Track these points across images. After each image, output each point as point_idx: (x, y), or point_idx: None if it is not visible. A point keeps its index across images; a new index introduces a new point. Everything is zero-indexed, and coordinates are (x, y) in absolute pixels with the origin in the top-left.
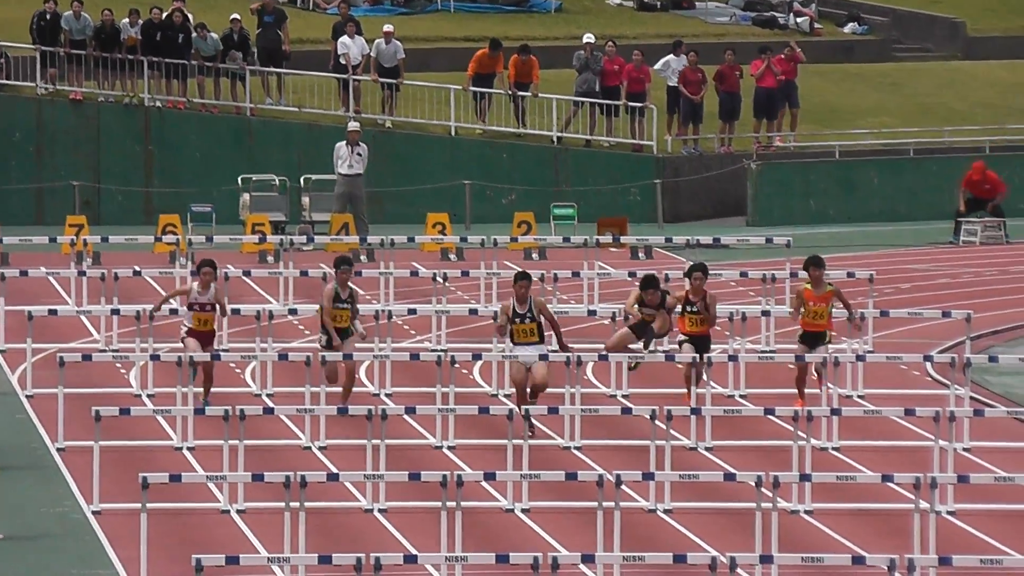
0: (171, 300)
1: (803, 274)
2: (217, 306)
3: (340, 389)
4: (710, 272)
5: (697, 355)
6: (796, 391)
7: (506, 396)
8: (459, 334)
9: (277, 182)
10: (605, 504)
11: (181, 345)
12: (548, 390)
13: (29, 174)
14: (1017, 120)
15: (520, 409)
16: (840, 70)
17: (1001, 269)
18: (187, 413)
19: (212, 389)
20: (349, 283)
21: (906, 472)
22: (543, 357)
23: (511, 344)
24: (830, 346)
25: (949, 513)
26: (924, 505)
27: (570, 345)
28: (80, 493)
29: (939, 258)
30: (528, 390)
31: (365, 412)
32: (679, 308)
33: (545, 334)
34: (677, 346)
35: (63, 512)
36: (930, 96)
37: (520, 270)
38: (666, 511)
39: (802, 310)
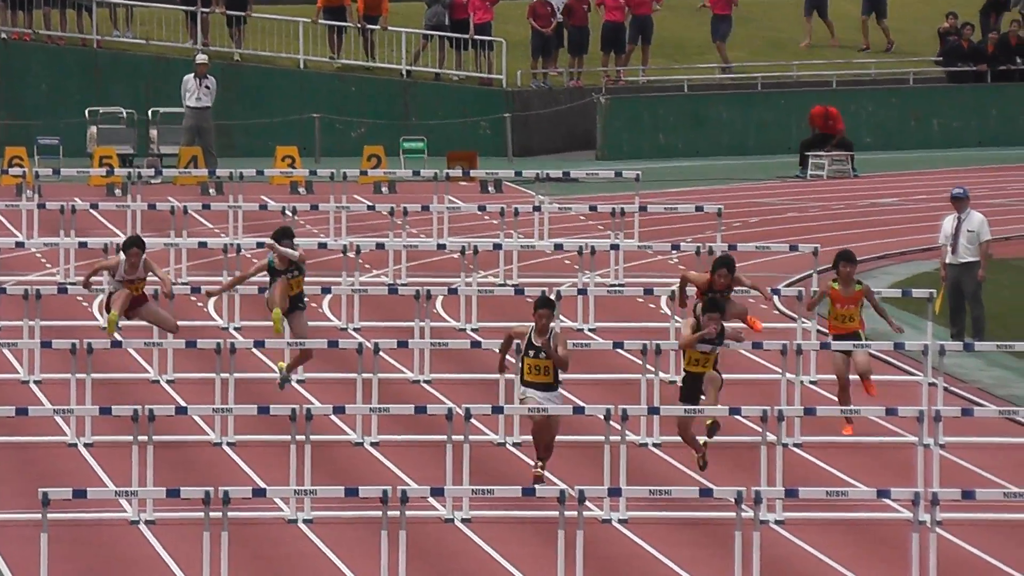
0: (98, 273)
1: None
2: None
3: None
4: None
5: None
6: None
7: (356, 330)
8: (308, 267)
9: (125, 115)
10: (454, 437)
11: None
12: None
13: None
14: (863, 55)
15: (534, 468)
16: (689, 4)
17: (848, 202)
18: (33, 346)
19: (64, 323)
20: (295, 249)
21: (754, 405)
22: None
23: (516, 380)
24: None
25: (796, 445)
26: (771, 437)
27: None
28: None
29: (787, 192)
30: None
31: (214, 346)
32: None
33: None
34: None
35: None
36: (779, 31)
37: (543, 295)
38: (515, 444)
39: (828, 310)
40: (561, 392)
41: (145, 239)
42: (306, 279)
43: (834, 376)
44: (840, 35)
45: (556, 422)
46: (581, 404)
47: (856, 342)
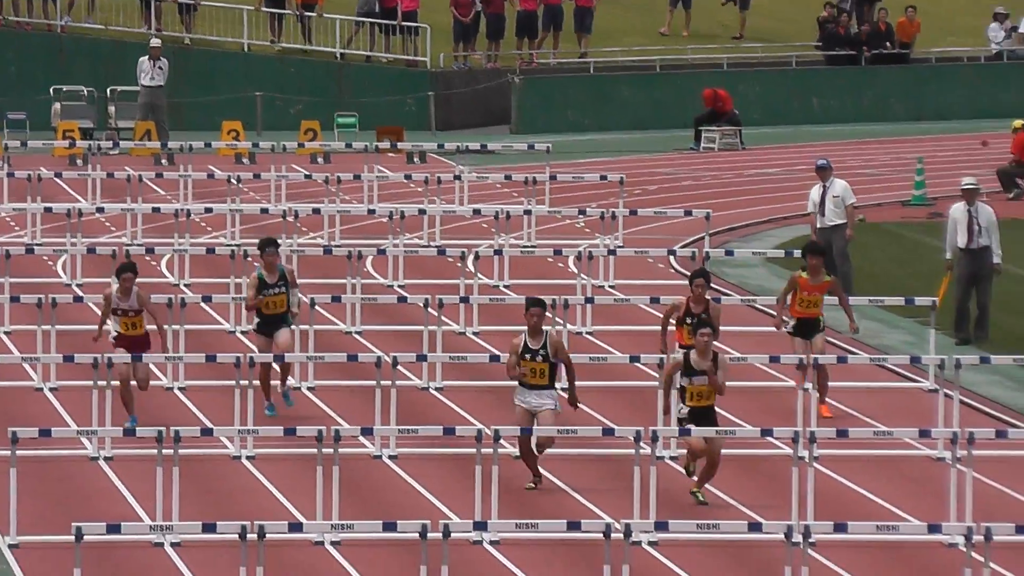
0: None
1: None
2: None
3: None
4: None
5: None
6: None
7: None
8: (251, 231)
9: (86, 93)
10: (383, 383)
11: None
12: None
13: None
14: (749, 40)
15: (529, 467)
16: None
17: (737, 172)
18: (4, 301)
19: (31, 280)
20: (278, 264)
21: (650, 354)
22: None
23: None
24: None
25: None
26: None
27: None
28: None
29: (682, 163)
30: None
31: (165, 300)
32: (675, 320)
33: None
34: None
35: None
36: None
37: (532, 296)
38: (437, 389)
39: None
40: (556, 391)
41: (104, 205)
42: (254, 243)
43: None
44: (703, 25)
45: (548, 420)
46: (496, 352)
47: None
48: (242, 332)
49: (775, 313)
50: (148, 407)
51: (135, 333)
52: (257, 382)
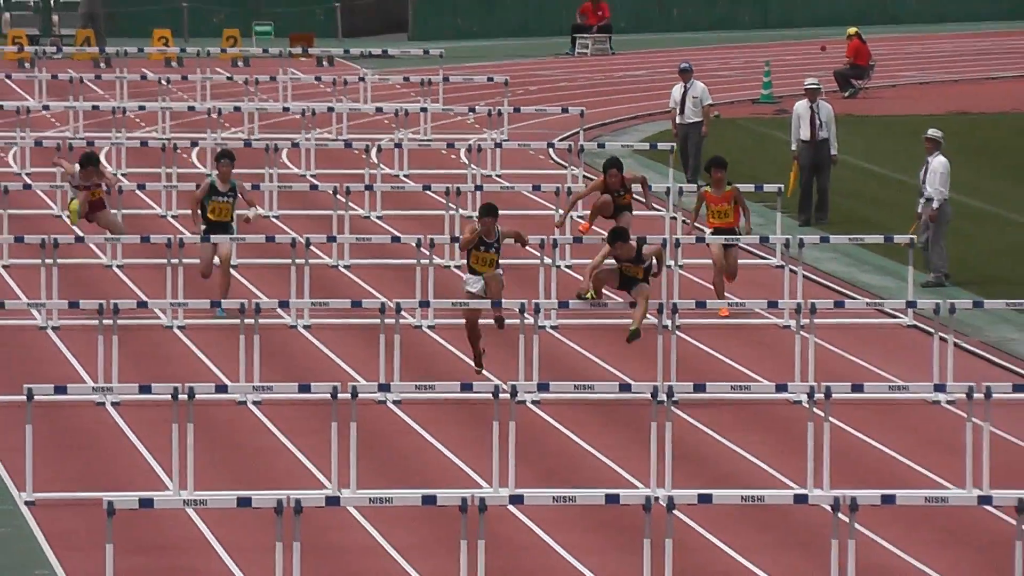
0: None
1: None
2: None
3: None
4: None
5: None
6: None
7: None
8: (179, 126)
9: (32, 3)
10: (298, 261)
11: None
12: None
13: None
14: None
15: (475, 351)
16: None
17: (607, 75)
18: None
19: None
20: (231, 176)
21: (537, 234)
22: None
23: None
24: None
25: (568, 266)
26: (548, 260)
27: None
28: None
29: (560, 66)
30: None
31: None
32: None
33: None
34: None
35: None
36: None
37: (487, 203)
38: (345, 267)
39: (704, 211)
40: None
41: (49, 103)
42: (183, 137)
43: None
44: None
45: (493, 284)
46: (397, 234)
47: (732, 236)
48: (172, 216)
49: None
50: (93, 283)
51: (94, 198)
52: (187, 261)
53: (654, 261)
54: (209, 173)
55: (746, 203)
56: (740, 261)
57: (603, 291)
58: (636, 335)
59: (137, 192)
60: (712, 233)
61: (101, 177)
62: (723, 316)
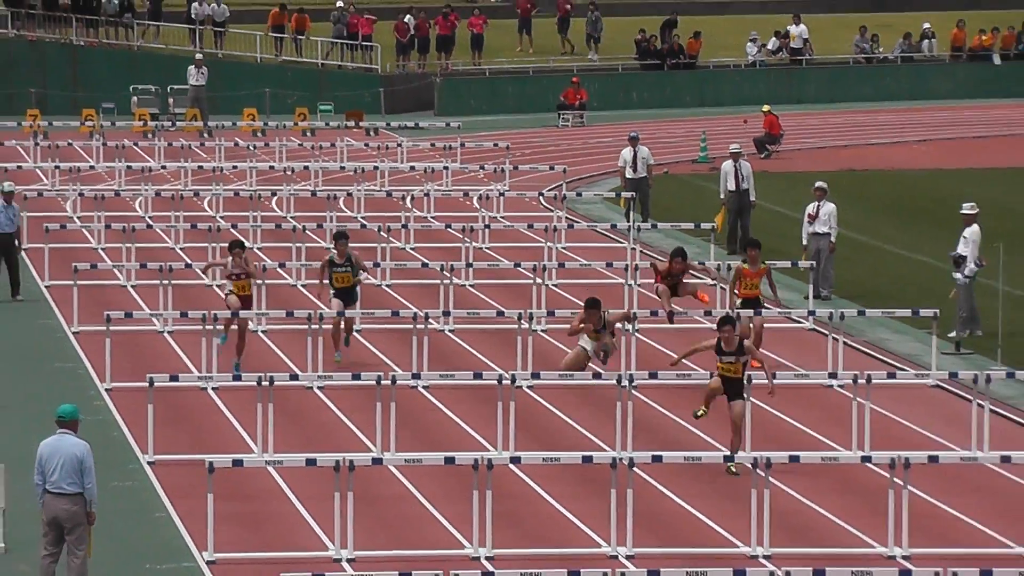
0: (213, 269)
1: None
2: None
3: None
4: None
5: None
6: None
7: (293, 217)
8: (263, 181)
9: (154, 89)
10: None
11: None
12: None
13: (0, 87)
14: (591, 54)
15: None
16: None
17: (584, 141)
18: (100, 229)
19: (116, 213)
20: (347, 251)
21: (529, 259)
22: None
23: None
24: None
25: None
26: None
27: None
28: (62, 316)
29: (549, 135)
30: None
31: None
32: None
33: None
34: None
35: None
36: (544, 39)
37: (591, 297)
38: (387, 286)
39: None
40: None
41: (166, 164)
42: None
43: None
44: (544, 44)
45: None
46: (425, 260)
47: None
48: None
49: (728, 291)
50: (192, 297)
51: (244, 293)
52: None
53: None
54: (330, 248)
55: (772, 279)
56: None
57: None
58: (735, 474)
59: (231, 230)
60: (741, 302)
61: (249, 264)
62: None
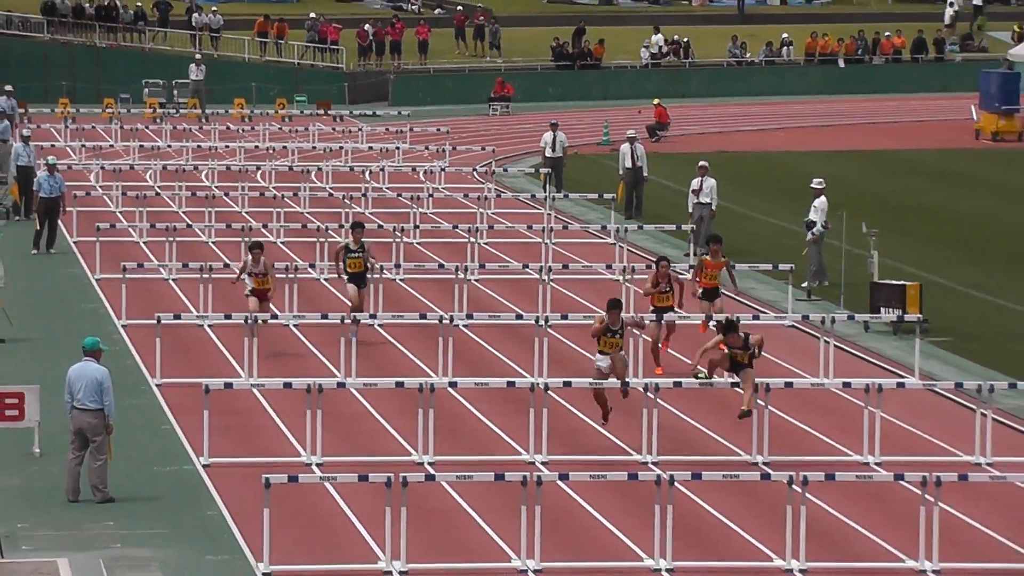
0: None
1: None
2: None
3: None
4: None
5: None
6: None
7: (273, 196)
8: (250, 157)
9: (161, 83)
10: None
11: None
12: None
13: (38, 80)
14: (513, 57)
15: (603, 409)
16: (446, 32)
17: (510, 127)
18: (118, 196)
19: (132, 183)
20: (361, 240)
21: (465, 222)
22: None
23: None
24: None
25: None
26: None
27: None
28: (87, 266)
29: (483, 121)
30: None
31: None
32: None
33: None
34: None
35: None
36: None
37: (612, 299)
38: (465, 326)
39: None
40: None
41: (172, 143)
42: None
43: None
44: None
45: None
46: (519, 311)
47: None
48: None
49: (690, 284)
50: (229, 294)
51: (262, 287)
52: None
53: (756, 349)
54: (345, 240)
55: (731, 269)
56: (580, 240)
57: (715, 373)
58: (748, 414)
59: (226, 200)
60: (703, 292)
61: (267, 267)
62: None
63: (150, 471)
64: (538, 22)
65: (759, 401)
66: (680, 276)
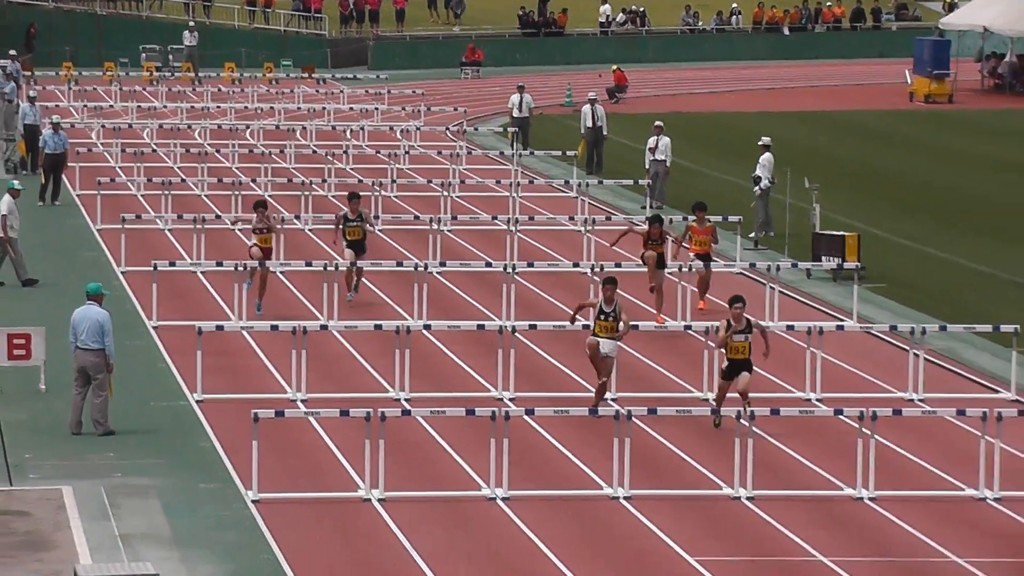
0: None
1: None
2: (272, 232)
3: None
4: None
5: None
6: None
7: (268, 153)
8: (239, 117)
9: (157, 48)
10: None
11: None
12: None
13: (45, 45)
14: (481, 24)
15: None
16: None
17: (480, 90)
18: (117, 152)
19: (131, 140)
20: (359, 208)
21: (439, 177)
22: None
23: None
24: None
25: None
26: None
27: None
28: (89, 218)
29: (454, 85)
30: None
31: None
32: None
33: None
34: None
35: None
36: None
37: (608, 276)
38: (439, 273)
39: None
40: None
41: (167, 104)
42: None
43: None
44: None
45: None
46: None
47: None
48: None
49: (675, 246)
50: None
51: (266, 245)
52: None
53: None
54: (342, 209)
55: (716, 233)
56: (549, 195)
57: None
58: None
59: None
60: (694, 256)
61: (269, 220)
62: (702, 308)
63: (147, 406)
64: None
65: (709, 343)
66: (669, 235)
